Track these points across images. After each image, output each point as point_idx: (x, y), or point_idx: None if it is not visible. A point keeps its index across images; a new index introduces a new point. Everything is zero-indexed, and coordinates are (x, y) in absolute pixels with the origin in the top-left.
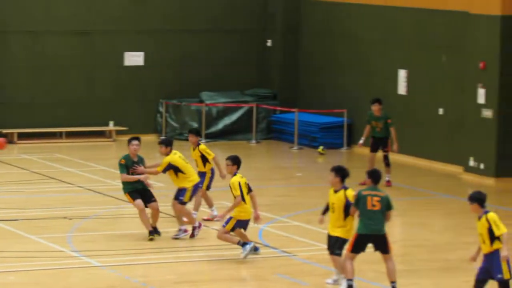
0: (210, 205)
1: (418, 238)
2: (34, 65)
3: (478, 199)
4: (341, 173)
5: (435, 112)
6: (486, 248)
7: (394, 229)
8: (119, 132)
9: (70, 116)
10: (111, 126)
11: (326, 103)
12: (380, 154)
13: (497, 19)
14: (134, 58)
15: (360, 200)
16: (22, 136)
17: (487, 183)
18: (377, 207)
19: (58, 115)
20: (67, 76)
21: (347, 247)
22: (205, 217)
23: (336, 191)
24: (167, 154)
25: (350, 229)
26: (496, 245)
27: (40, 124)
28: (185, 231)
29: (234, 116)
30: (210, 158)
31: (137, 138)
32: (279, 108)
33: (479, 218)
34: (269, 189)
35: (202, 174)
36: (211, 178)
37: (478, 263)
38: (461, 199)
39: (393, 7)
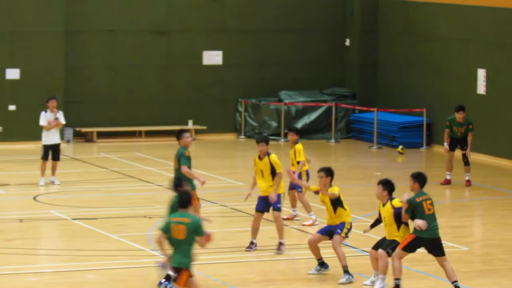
0: (293, 205)
1: (498, 238)
2: (113, 64)
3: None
4: (389, 187)
5: None
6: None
7: (474, 229)
8: (198, 131)
9: (149, 115)
10: (190, 125)
11: (405, 103)
12: (459, 153)
13: None
14: (213, 57)
15: (417, 207)
16: (101, 135)
17: None
18: (432, 210)
19: (137, 114)
20: (146, 75)
21: (399, 245)
22: (285, 216)
23: (384, 204)
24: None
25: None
26: None
27: (119, 123)
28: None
29: (313, 115)
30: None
31: (187, 130)
32: (358, 108)
33: None
34: (348, 189)
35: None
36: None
37: None
38: None
39: (472, 6)
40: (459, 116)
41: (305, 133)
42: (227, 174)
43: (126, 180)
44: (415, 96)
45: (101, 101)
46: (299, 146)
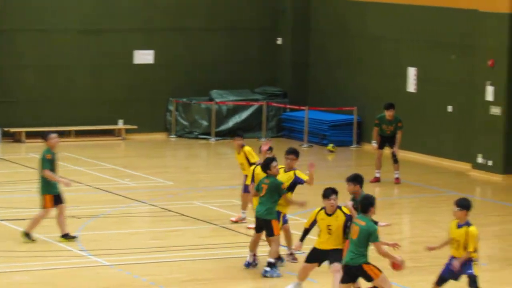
0: (244, 207)
1: (427, 235)
2: (43, 64)
3: (466, 206)
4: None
5: (444, 110)
6: (457, 254)
7: (403, 226)
8: (128, 131)
9: (79, 114)
10: (120, 124)
11: (336, 101)
12: (388, 151)
13: (505, 16)
14: (144, 56)
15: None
16: (30, 135)
17: (494, 180)
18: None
19: (67, 113)
20: (76, 75)
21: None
22: (233, 218)
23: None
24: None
25: None
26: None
27: (49, 123)
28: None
29: (244, 114)
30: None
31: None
32: (289, 106)
33: (459, 226)
34: None
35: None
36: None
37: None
38: (470, 196)
39: (403, 5)
40: (388, 114)
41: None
42: (157, 173)
43: None
44: (346, 94)
45: (31, 100)
46: (248, 148)
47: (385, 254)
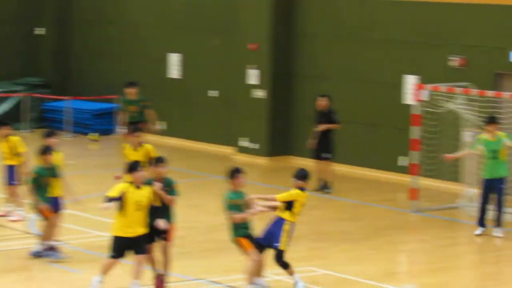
0: (10, 201)
1: (192, 220)
2: None
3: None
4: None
5: (209, 95)
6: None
7: None
8: None
9: None
10: None
11: (101, 90)
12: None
13: (266, 0)
14: None
15: None
16: None
17: (260, 162)
18: None
19: None
20: None
21: None
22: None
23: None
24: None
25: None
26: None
27: None
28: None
29: (5, 106)
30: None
31: None
32: (50, 97)
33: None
34: None
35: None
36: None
37: None
38: None
39: None
40: (130, 91)
41: None
42: None
43: None
44: (109, 83)
45: None
46: (15, 138)
47: None
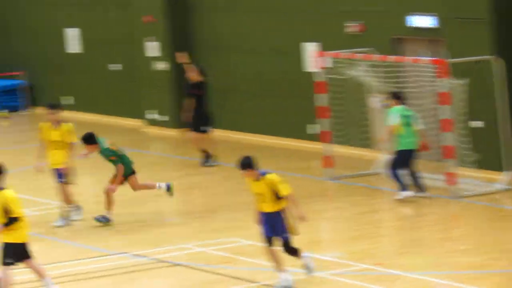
0: None
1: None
2: None
3: (250, 164)
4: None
5: (110, 68)
6: (270, 208)
7: (84, 188)
8: None
9: None
10: None
11: (7, 66)
12: None
13: None
14: None
15: None
16: None
17: (169, 134)
18: None
19: None
20: None
21: None
22: None
23: None
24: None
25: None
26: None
27: None
28: None
29: None
30: None
31: None
32: None
33: (257, 180)
34: None
35: None
36: None
37: None
38: (145, 152)
39: None
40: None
41: None
42: None
43: None
44: (12, 59)
45: None
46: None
47: None
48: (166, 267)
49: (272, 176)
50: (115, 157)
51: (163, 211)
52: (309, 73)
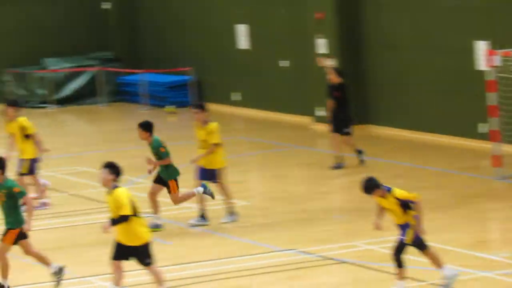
0: None
1: (276, 191)
2: None
3: (373, 186)
4: (115, 170)
5: (279, 65)
6: (399, 220)
7: (251, 184)
8: None
9: None
10: None
11: (169, 63)
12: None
13: None
14: None
15: None
16: None
17: None
18: None
19: None
20: None
21: None
22: None
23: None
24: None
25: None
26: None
27: None
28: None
29: (80, 81)
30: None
31: None
32: (123, 70)
33: (383, 196)
34: (122, 151)
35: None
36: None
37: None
38: (313, 149)
39: None
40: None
41: (75, 99)
42: None
43: None
44: (180, 55)
45: None
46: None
47: None
48: (331, 264)
49: (398, 192)
50: (165, 149)
51: (330, 208)
52: (480, 72)
